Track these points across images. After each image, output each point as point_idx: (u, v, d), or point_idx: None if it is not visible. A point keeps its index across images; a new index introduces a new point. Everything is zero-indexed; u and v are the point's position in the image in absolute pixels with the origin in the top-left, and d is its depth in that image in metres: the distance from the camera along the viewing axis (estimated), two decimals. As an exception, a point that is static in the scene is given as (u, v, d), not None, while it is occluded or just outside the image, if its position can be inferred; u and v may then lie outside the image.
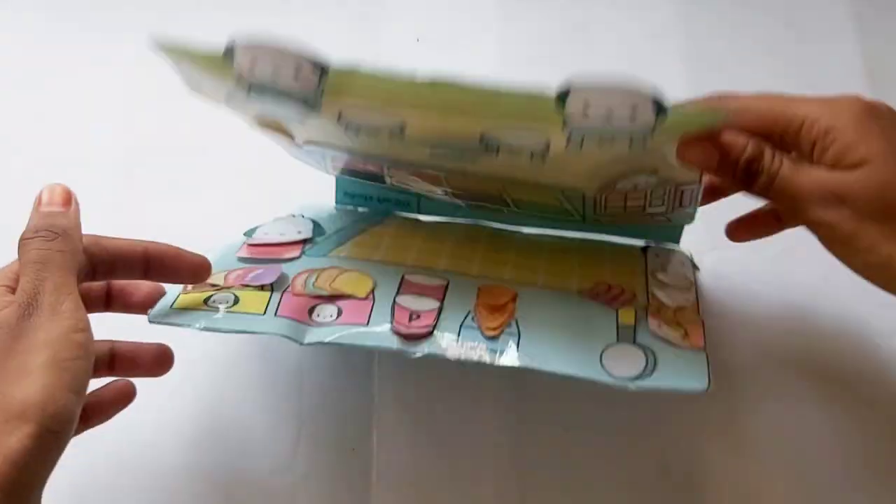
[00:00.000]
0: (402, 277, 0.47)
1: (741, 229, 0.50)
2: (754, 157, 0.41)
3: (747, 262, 0.56)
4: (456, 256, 0.50)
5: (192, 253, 0.44)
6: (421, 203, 0.56)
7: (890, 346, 0.53)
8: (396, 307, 0.44)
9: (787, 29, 0.64)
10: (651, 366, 0.42)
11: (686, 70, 0.62)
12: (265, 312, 0.44)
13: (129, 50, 0.61)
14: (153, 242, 0.43)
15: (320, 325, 0.43)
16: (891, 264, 0.40)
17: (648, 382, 0.40)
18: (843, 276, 0.52)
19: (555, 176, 0.45)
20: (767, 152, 0.42)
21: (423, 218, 0.56)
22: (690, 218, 0.50)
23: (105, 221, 0.52)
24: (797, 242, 0.54)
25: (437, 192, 0.52)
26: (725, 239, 0.54)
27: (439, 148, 0.43)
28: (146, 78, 0.57)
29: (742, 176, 0.42)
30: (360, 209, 0.55)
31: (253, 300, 0.45)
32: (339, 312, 0.45)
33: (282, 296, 0.45)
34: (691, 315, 0.46)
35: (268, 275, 0.47)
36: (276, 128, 0.47)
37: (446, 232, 0.53)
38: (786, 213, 0.46)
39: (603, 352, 0.42)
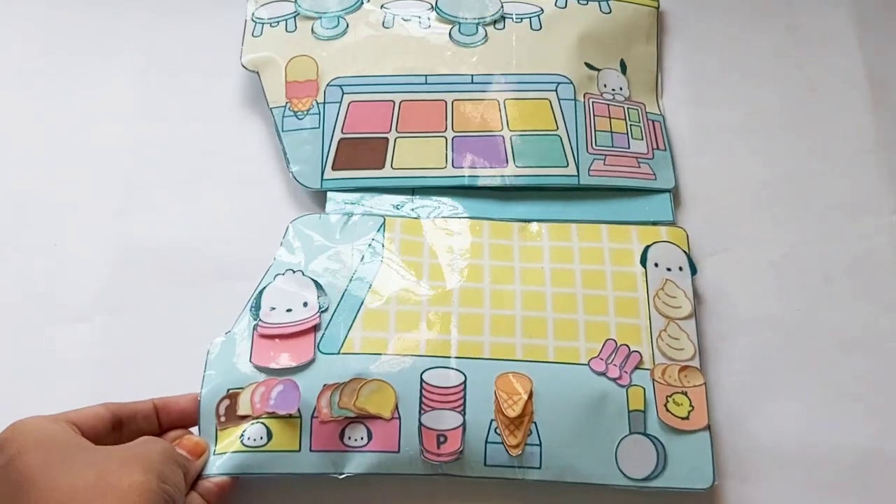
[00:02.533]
0: (422, 380, 0.48)
1: None
2: None
3: (748, 266, 0.55)
4: (466, 330, 0.50)
5: (182, 400, 0.48)
6: (414, 205, 0.55)
7: (892, 349, 0.53)
8: (423, 429, 0.47)
9: (788, 32, 0.63)
10: (661, 462, 0.47)
11: (687, 74, 0.61)
12: (300, 448, 0.47)
13: (132, 54, 0.62)
14: (159, 398, 0.47)
15: (354, 449, 0.47)
16: None
17: (659, 483, 0.47)
18: (844, 279, 0.54)
19: (549, 58, 0.58)
20: None
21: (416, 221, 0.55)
22: (670, 181, 0.56)
23: (109, 228, 0.56)
24: (798, 246, 0.56)
25: (442, 142, 0.56)
26: (725, 243, 0.55)
27: (462, 24, 0.59)
28: (149, 82, 0.61)
29: None
30: (354, 216, 0.54)
31: (285, 433, 0.47)
32: (370, 435, 0.47)
33: (311, 424, 0.47)
34: (695, 375, 0.50)
35: (289, 399, 0.47)
36: (304, 73, 0.57)
37: (447, 297, 0.51)
38: None
39: (617, 447, 0.47)
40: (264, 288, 0.51)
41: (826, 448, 0.50)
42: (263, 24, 0.60)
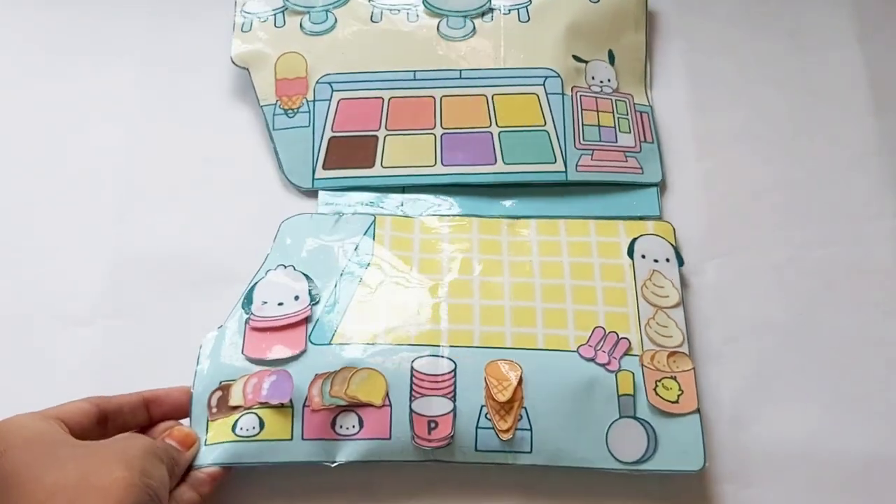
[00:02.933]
0: (412, 369, 0.49)
1: None
2: None
3: (750, 270, 0.55)
4: (456, 320, 0.51)
5: (174, 393, 0.49)
6: (404, 202, 0.56)
7: (894, 353, 0.53)
8: (414, 416, 0.48)
9: (790, 38, 0.63)
10: (652, 445, 0.48)
11: (688, 80, 0.61)
12: (292, 437, 0.47)
13: (130, 58, 0.62)
14: (149, 391, 0.48)
15: (346, 437, 0.47)
16: None
17: (650, 466, 0.47)
18: (846, 283, 0.54)
19: (537, 51, 0.58)
20: None
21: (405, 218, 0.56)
22: (657, 174, 0.57)
23: (108, 232, 0.56)
24: (801, 250, 0.56)
25: (431, 139, 0.57)
26: (727, 247, 0.55)
27: (450, 17, 0.59)
28: (149, 89, 0.61)
29: None
30: (345, 215, 0.55)
31: (277, 423, 0.48)
32: (361, 423, 0.48)
33: (303, 413, 0.48)
34: (684, 361, 0.50)
35: (282, 389, 0.48)
36: (294, 70, 0.58)
37: (437, 289, 0.52)
38: None
39: (608, 431, 0.48)
40: (256, 283, 0.52)
41: (829, 452, 0.50)
42: (252, 18, 0.60)
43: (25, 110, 0.61)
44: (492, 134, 0.56)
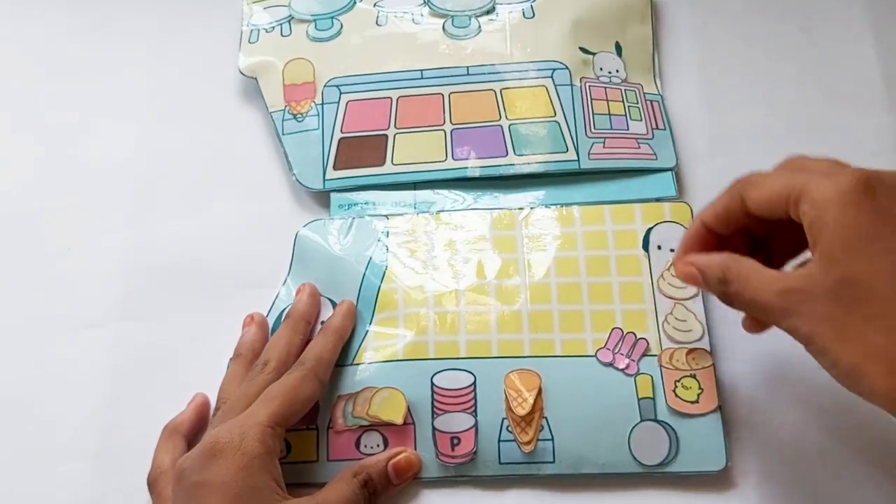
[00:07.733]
0: (432, 384, 0.49)
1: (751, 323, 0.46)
2: (720, 278, 0.41)
3: None
4: (473, 330, 0.50)
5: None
6: (416, 200, 0.56)
7: None
8: (437, 433, 0.48)
9: (802, 33, 0.62)
10: (674, 448, 0.47)
11: (701, 77, 0.61)
12: (318, 458, 0.48)
13: (141, 62, 0.63)
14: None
15: (370, 457, 0.48)
16: (851, 373, 0.38)
17: (673, 468, 0.47)
18: None
19: (543, 45, 0.58)
20: (731, 271, 0.41)
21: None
22: (671, 159, 0.56)
23: (117, 237, 0.56)
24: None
25: (441, 135, 0.56)
26: None
27: (454, 16, 0.60)
28: (160, 93, 0.61)
29: (717, 295, 0.42)
30: (357, 219, 0.55)
31: (303, 445, 0.49)
32: (385, 441, 0.48)
33: (328, 434, 0.49)
34: (704, 357, 0.49)
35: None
36: (301, 76, 0.58)
37: (454, 298, 0.52)
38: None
39: (629, 436, 0.47)
40: (284, 310, 0.52)
41: (846, 451, 0.49)
42: (259, 30, 0.61)
43: (36, 114, 0.62)
44: (501, 127, 0.56)
